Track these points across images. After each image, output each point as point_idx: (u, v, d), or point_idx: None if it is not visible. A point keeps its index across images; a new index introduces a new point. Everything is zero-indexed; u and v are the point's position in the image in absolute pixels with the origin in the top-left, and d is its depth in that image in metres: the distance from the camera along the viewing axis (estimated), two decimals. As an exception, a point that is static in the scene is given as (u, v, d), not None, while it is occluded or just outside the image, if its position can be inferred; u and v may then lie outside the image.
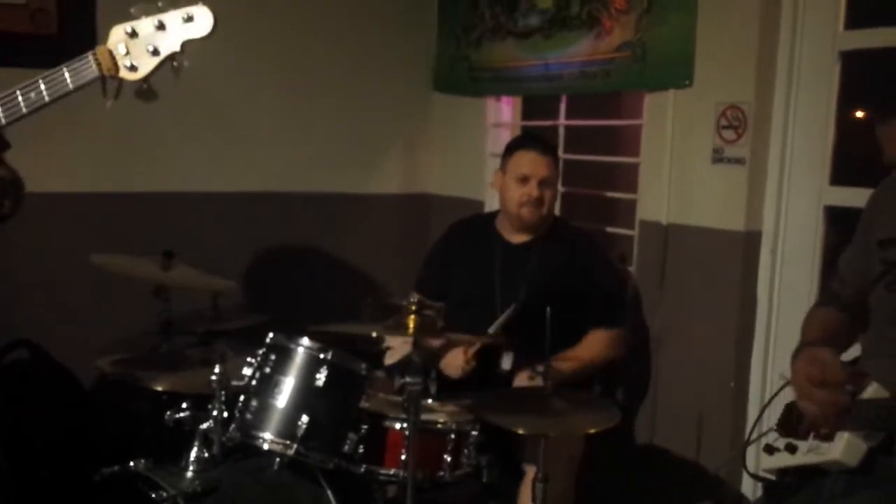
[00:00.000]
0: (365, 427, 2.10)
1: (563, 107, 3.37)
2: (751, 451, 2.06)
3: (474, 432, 2.18)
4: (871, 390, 1.51)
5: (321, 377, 2.06)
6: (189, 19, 1.57)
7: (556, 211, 3.30)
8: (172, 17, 1.58)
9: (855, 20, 2.44)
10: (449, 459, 2.15)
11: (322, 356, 2.07)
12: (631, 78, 2.88)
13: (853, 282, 1.75)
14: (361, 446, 2.09)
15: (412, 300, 1.95)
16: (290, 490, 2.14)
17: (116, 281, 2.65)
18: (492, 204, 3.32)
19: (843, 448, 1.51)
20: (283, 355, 2.10)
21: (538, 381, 2.31)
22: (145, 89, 1.61)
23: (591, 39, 3.00)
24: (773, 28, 2.52)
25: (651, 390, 2.94)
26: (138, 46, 1.58)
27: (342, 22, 3.67)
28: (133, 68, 1.59)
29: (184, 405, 2.16)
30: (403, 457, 2.04)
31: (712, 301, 2.70)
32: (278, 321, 2.34)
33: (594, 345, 2.61)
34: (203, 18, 1.58)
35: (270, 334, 2.15)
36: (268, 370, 2.10)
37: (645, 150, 2.95)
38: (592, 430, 2.03)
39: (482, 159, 3.63)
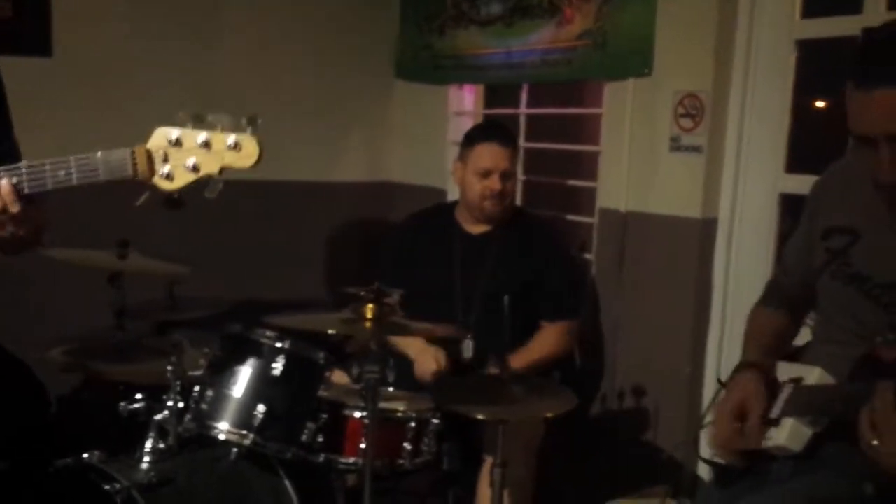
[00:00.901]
0: (324, 416, 2.08)
1: (524, 95, 3.37)
2: (705, 436, 2.09)
3: (434, 420, 2.17)
4: (816, 376, 1.54)
5: (278, 366, 2.04)
6: (235, 147, 1.49)
7: (518, 199, 3.31)
8: (219, 140, 1.50)
9: (811, 9, 2.47)
10: (409, 447, 2.14)
11: (279, 345, 2.05)
12: (591, 66, 2.88)
13: (798, 271, 1.77)
14: (320, 435, 2.08)
15: (370, 289, 1.94)
16: (247, 481, 2.12)
17: (70, 271, 2.59)
18: (454, 192, 3.32)
19: (788, 434, 1.52)
20: (240, 345, 2.08)
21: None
22: (175, 199, 1.53)
23: (553, 28, 3.01)
24: (731, 17, 2.54)
25: (610, 375, 2.97)
26: (179, 157, 1.50)
27: (304, 8, 3.63)
28: (169, 177, 1.51)
29: (138, 396, 2.13)
30: (363, 445, 2.03)
31: (670, 287, 2.73)
32: (236, 311, 2.32)
33: (547, 341, 2.61)
34: (249, 149, 1.50)
35: (227, 324, 2.13)
36: (224, 360, 2.08)
37: (605, 138, 2.97)
38: (550, 415, 2.04)
39: (444, 147, 3.62)
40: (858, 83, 1.37)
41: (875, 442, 1.27)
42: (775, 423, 1.55)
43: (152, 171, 1.52)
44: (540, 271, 2.63)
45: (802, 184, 2.46)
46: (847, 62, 1.41)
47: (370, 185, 3.90)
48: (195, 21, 3.41)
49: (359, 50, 3.77)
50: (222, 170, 1.51)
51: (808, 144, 2.58)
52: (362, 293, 1.92)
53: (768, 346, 1.74)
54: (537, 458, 2.50)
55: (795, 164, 2.51)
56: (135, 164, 1.51)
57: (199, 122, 1.51)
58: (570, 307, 2.70)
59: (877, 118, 1.36)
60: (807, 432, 1.52)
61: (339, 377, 2.28)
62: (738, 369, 1.67)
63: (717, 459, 1.67)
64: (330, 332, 1.95)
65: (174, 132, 1.51)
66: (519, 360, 2.46)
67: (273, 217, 3.59)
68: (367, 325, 1.92)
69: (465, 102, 3.66)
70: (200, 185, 1.53)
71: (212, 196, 1.52)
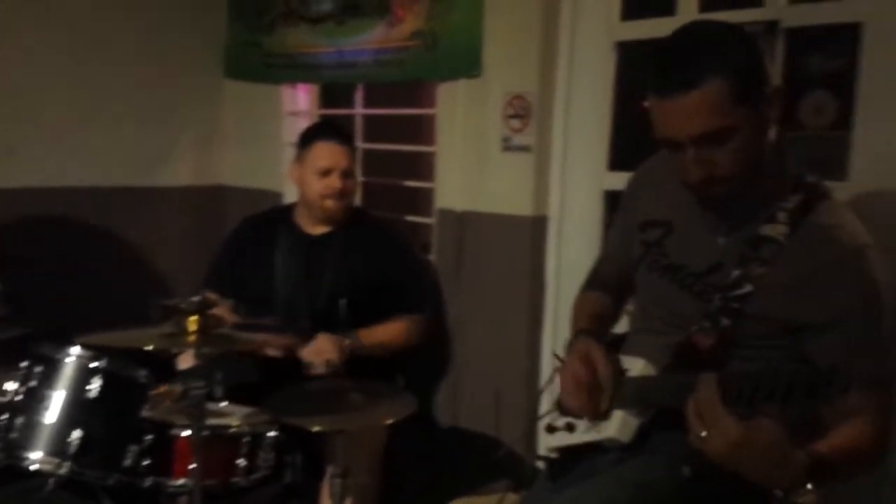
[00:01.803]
0: (149, 437, 1.98)
1: (359, 95, 3.33)
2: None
3: (271, 433, 2.10)
4: (640, 367, 1.58)
5: (94, 388, 1.92)
6: None
7: (357, 201, 3.27)
8: None
9: (629, 11, 2.56)
10: (244, 464, 2.06)
11: (94, 365, 1.93)
12: (423, 67, 2.88)
13: (617, 263, 1.83)
14: (146, 458, 1.97)
15: (194, 300, 1.84)
16: (67, 511, 1.97)
17: None
18: (291, 195, 3.24)
19: (617, 425, 1.57)
20: (51, 367, 1.94)
21: (329, 364, 2.29)
22: None
23: (384, 27, 2.98)
24: (554, 19, 2.60)
25: (453, 374, 2.99)
26: None
27: (124, 5, 3.43)
28: None
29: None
30: (193, 465, 1.92)
31: (506, 284, 2.77)
32: (50, 330, 2.14)
33: (395, 327, 2.60)
34: None
35: (38, 344, 1.97)
36: (34, 384, 1.93)
37: (439, 139, 2.97)
38: (389, 421, 2.01)
39: (279, 149, 3.53)
40: (656, 92, 1.42)
41: (703, 433, 1.29)
42: (605, 416, 1.59)
43: None
44: (383, 270, 2.61)
45: (623, 181, 2.55)
46: (644, 73, 1.46)
47: (202, 189, 3.75)
48: (9, 22, 3.16)
49: (185, 48, 3.62)
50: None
51: (630, 143, 2.68)
52: (183, 305, 1.81)
53: (594, 320, 1.78)
54: (381, 464, 2.47)
55: (617, 161, 2.60)
56: None
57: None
58: (417, 301, 2.70)
59: (677, 123, 1.41)
60: (634, 422, 1.56)
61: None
62: (572, 339, 1.70)
63: (559, 425, 1.69)
64: (147, 348, 1.83)
65: None
66: (367, 335, 2.46)
67: (94, 226, 3.37)
68: (191, 338, 1.81)
69: (300, 102, 3.58)
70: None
71: None
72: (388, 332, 2.57)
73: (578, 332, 1.69)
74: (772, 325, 1.47)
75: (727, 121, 1.37)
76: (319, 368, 2.31)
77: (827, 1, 2.12)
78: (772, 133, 1.50)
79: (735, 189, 1.46)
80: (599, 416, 1.59)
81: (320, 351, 2.35)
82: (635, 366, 1.59)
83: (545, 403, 1.88)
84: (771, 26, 2.15)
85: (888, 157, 1.97)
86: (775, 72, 2.14)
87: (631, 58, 2.59)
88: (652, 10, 2.50)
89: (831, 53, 2.27)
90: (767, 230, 1.47)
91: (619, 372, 1.59)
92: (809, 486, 1.30)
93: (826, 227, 1.45)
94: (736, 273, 1.48)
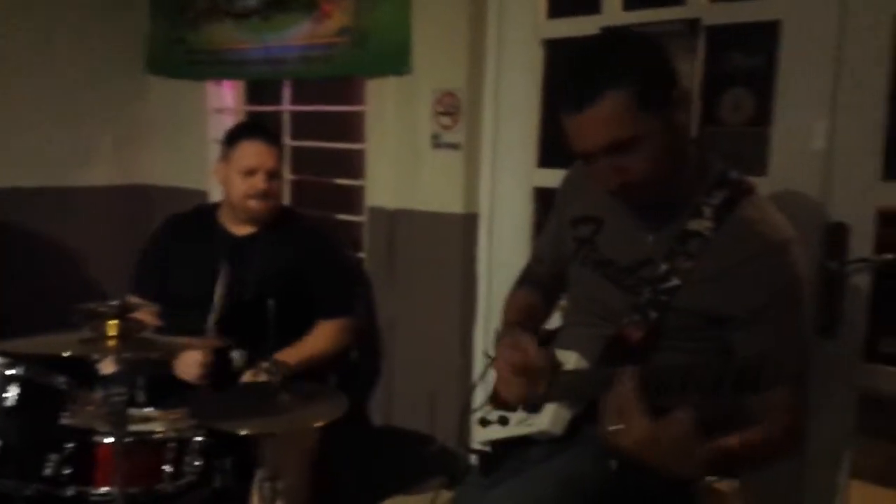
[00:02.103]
0: (70, 445, 1.93)
1: (287, 92, 3.28)
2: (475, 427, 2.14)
3: (198, 438, 2.06)
4: (574, 361, 1.60)
5: (10, 396, 1.85)
6: None
7: (286, 199, 3.23)
8: None
9: (556, 9, 2.58)
10: (169, 470, 2.02)
11: (10, 372, 1.86)
12: (351, 63, 2.86)
13: (548, 259, 1.85)
14: (67, 467, 1.92)
15: (113, 303, 1.78)
16: (-18, 525, 1.89)
17: None
18: (216, 194, 3.17)
19: (550, 418, 1.58)
20: (-38, 375, 1.85)
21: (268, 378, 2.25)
22: None
23: (311, 23, 2.95)
24: (481, 17, 2.61)
25: (386, 373, 2.97)
26: None
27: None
28: None
29: None
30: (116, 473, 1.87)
31: (438, 282, 2.77)
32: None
33: (321, 336, 2.58)
34: None
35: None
36: (-55, 394, 1.84)
37: (369, 136, 2.95)
38: (319, 423, 1.99)
39: (204, 147, 3.46)
40: (562, 109, 1.47)
41: (620, 426, 1.33)
42: (537, 409, 1.60)
43: None
44: (310, 271, 2.58)
45: (553, 178, 2.58)
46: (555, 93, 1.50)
47: (125, 188, 3.64)
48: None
49: (107, 44, 3.51)
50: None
51: (558, 140, 2.70)
52: (102, 309, 1.76)
53: (525, 320, 1.80)
54: (313, 465, 2.44)
55: (546, 158, 2.62)
56: None
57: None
58: (343, 304, 2.67)
59: (584, 137, 1.46)
60: (566, 415, 1.58)
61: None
62: (501, 334, 1.73)
63: (493, 419, 1.70)
64: (65, 354, 1.76)
65: None
66: (292, 355, 2.40)
67: (15, 228, 3.25)
68: (111, 343, 1.76)
69: (226, 99, 3.51)
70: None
71: None
72: (315, 346, 2.54)
73: (507, 326, 1.70)
74: (699, 318, 1.50)
75: (631, 130, 1.41)
76: (193, 377, 2.32)
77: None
78: (692, 131, 1.53)
79: (654, 191, 1.50)
80: (538, 399, 1.59)
81: (184, 367, 2.34)
82: (569, 359, 1.61)
83: (478, 399, 1.90)
84: (692, 24, 2.19)
85: (804, 152, 2.03)
86: (696, 69, 2.19)
87: (558, 55, 2.61)
88: (578, 8, 2.52)
89: (751, 51, 2.33)
90: (694, 225, 1.50)
91: (554, 363, 1.60)
92: (711, 476, 1.33)
93: (750, 221, 1.49)
94: (664, 267, 1.51)
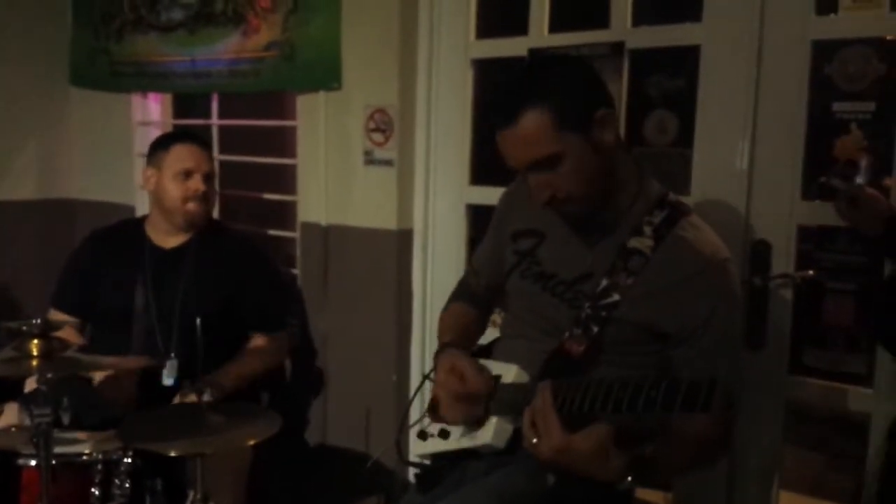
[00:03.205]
0: (-7, 468, 1.86)
1: (214, 105, 3.25)
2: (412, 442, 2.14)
3: (127, 459, 2.00)
4: (514, 374, 1.62)
5: (-73, 420, 1.76)
6: None
7: (216, 214, 3.18)
8: None
9: (484, 30, 2.63)
10: (97, 493, 1.96)
11: (-74, 395, 1.77)
12: (281, 78, 2.84)
13: (485, 272, 1.88)
14: (-10, 491, 1.85)
15: (36, 322, 1.73)
16: None
17: None
18: (142, 208, 3.11)
19: (493, 432, 1.59)
20: None
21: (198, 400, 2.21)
22: None
23: (239, 37, 2.92)
24: (412, 34, 2.64)
25: (320, 390, 2.95)
26: None
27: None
28: None
29: None
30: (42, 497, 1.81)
31: (373, 299, 2.77)
32: None
33: (254, 354, 2.53)
34: None
35: None
36: None
37: (301, 151, 2.93)
38: (252, 442, 1.96)
39: (130, 160, 3.39)
40: (491, 127, 1.52)
41: (535, 440, 1.37)
42: (480, 423, 1.61)
43: None
44: (241, 284, 2.52)
45: (485, 195, 2.64)
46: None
47: (46, 203, 3.54)
48: None
49: (28, 54, 3.41)
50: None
51: (490, 158, 2.74)
52: (24, 328, 1.70)
53: (460, 333, 1.82)
54: (246, 485, 2.40)
55: (478, 176, 2.67)
56: None
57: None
58: (276, 319, 2.64)
59: (509, 153, 1.52)
60: (509, 428, 1.59)
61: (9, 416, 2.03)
62: (438, 353, 1.73)
63: (433, 432, 1.70)
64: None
65: None
66: (226, 376, 2.36)
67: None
68: (34, 363, 1.70)
69: (152, 112, 3.45)
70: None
71: None
72: (250, 365, 2.50)
73: (443, 346, 1.72)
74: (639, 333, 1.54)
75: (551, 148, 1.46)
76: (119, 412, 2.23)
77: (668, 24, 2.25)
78: (623, 151, 1.58)
79: (585, 207, 1.54)
80: (479, 422, 1.60)
81: (112, 395, 2.27)
82: (509, 372, 1.62)
83: (415, 414, 1.91)
84: (617, 47, 2.26)
85: (727, 172, 2.11)
86: (622, 91, 2.26)
87: (488, 75, 2.66)
88: (505, 29, 2.57)
89: (673, 74, 2.41)
90: (634, 243, 1.55)
91: (491, 378, 1.62)
92: (630, 479, 1.37)
93: (689, 240, 1.54)
94: (605, 282, 1.55)
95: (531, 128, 1.45)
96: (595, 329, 1.54)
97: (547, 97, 1.45)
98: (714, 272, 1.52)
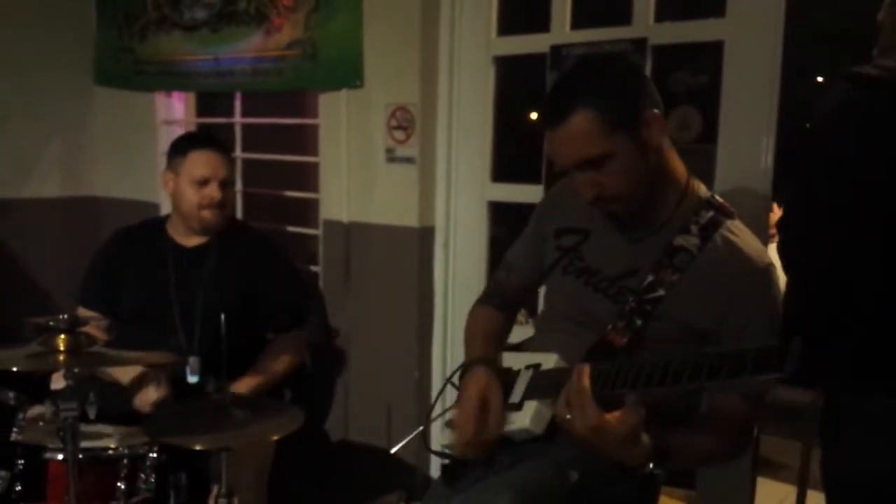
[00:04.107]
0: (20, 462, 1.90)
1: (238, 104, 3.27)
2: (436, 433, 2.13)
3: (152, 454, 2.03)
4: (553, 361, 1.63)
5: (-43, 414, 1.80)
6: None
7: (238, 213, 3.21)
8: None
9: (506, 27, 2.63)
10: (123, 487, 1.98)
11: (-44, 389, 1.81)
12: (303, 76, 2.86)
13: (520, 270, 1.89)
14: (17, 484, 1.89)
15: (63, 317, 1.76)
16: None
17: None
18: (167, 206, 3.13)
19: (531, 417, 1.58)
20: None
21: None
22: None
23: (261, 36, 2.94)
24: (434, 32, 2.64)
25: (342, 387, 2.97)
26: None
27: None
28: None
29: None
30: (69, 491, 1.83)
31: (394, 295, 2.78)
32: None
33: (277, 354, 2.54)
34: None
35: None
36: None
37: (323, 149, 2.95)
38: (275, 437, 1.98)
39: (154, 159, 3.42)
40: (544, 125, 1.55)
41: (568, 416, 1.39)
42: (518, 407, 1.61)
43: None
44: (262, 282, 2.55)
45: (507, 192, 2.65)
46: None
47: (72, 200, 3.57)
48: None
49: (54, 54, 3.44)
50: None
51: (509, 155, 2.75)
52: (52, 323, 1.73)
53: (489, 345, 1.82)
54: (269, 481, 2.43)
55: (499, 173, 2.67)
56: None
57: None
58: (297, 316, 2.66)
59: (558, 152, 1.55)
60: (547, 414, 1.58)
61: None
62: (467, 367, 1.73)
63: (448, 451, 1.70)
64: (14, 369, 1.73)
65: None
66: (248, 383, 2.39)
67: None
68: (61, 358, 1.73)
69: (175, 111, 3.47)
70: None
71: None
72: (273, 363, 2.51)
73: (473, 361, 1.72)
74: (680, 329, 1.55)
75: (600, 148, 1.49)
76: (150, 410, 2.28)
77: (691, 20, 2.25)
78: (671, 151, 1.60)
79: (631, 205, 1.57)
80: (476, 446, 1.62)
81: (143, 402, 2.31)
82: (549, 360, 1.63)
83: (434, 404, 1.91)
84: (639, 44, 2.26)
85: (747, 167, 2.10)
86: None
87: (509, 72, 2.66)
88: (527, 26, 2.58)
89: (696, 70, 2.40)
90: (681, 241, 1.57)
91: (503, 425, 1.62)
92: (652, 465, 1.39)
93: (734, 242, 1.57)
94: (650, 278, 1.57)
95: (580, 128, 1.48)
96: (639, 322, 1.56)
97: (597, 98, 1.48)
98: (759, 276, 1.55)
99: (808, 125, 1.71)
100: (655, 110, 1.53)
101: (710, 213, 1.60)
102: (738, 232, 1.59)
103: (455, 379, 1.78)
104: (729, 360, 1.23)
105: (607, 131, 1.48)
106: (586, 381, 1.38)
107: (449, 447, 1.71)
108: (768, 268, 1.56)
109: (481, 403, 1.62)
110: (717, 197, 1.64)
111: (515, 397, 1.62)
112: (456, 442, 1.66)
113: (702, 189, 1.65)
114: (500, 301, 1.93)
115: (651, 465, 1.38)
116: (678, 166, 1.62)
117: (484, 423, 1.61)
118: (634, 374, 1.36)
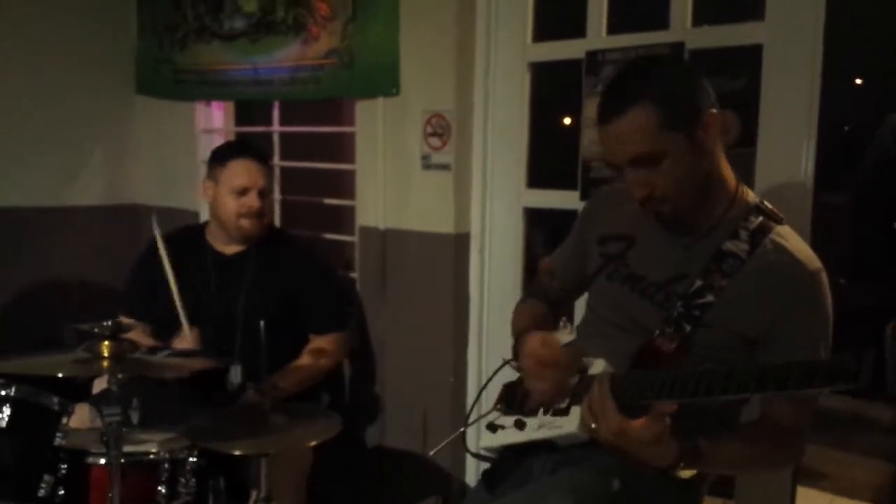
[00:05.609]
0: (64, 466, 1.92)
1: (276, 113, 3.30)
2: (472, 437, 2.13)
3: (192, 459, 2.05)
4: (601, 366, 1.60)
5: (4, 417, 1.84)
6: None
7: (276, 220, 3.24)
8: None
9: (542, 33, 2.62)
10: (164, 491, 2.01)
11: (3, 393, 1.85)
12: (340, 85, 2.88)
13: (562, 275, 1.90)
14: (61, 488, 1.91)
15: (107, 324, 1.79)
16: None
17: None
18: (207, 214, 3.18)
19: (579, 421, 1.56)
20: (-45, 397, 1.85)
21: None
22: None
23: (299, 45, 2.97)
24: (470, 40, 2.65)
25: (378, 393, 2.98)
26: None
27: (33, 15, 3.31)
28: None
29: None
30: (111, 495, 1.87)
31: (430, 301, 2.79)
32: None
33: (315, 353, 2.57)
34: None
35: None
36: (-62, 416, 1.83)
37: (360, 156, 2.97)
38: (314, 443, 2.00)
39: (194, 167, 3.46)
40: (597, 120, 1.54)
41: (594, 425, 1.40)
42: (565, 412, 1.60)
43: None
44: (300, 288, 2.58)
45: (542, 198, 2.64)
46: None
47: (114, 208, 3.64)
48: None
49: (95, 63, 3.51)
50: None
51: (545, 161, 2.75)
52: (96, 330, 1.76)
53: (538, 323, 1.81)
54: (307, 486, 2.44)
55: (535, 179, 2.67)
56: None
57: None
58: (336, 318, 2.69)
59: (611, 147, 1.54)
60: None
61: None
62: (520, 338, 1.70)
63: (507, 423, 1.69)
64: (59, 375, 1.77)
65: None
66: (289, 379, 2.41)
67: (3, 248, 3.25)
68: (105, 364, 1.76)
69: (215, 120, 3.52)
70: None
71: None
72: (310, 360, 2.54)
73: (523, 331, 1.71)
74: (729, 334, 1.54)
75: (654, 145, 1.48)
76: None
77: (729, 24, 2.22)
78: (724, 155, 1.59)
79: (681, 207, 1.55)
80: (566, 394, 1.59)
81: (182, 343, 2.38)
82: (596, 365, 1.61)
83: (473, 407, 1.91)
84: (677, 48, 2.24)
85: (786, 171, 2.08)
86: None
87: (545, 78, 2.66)
88: (563, 31, 2.57)
89: (734, 74, 2.38)
90: (730, 246, 1.57)
91: (580, 362, 1.61)
92: (682, 465, 1.39)
93: (784, 248, 1.55)
94: (699, 283, 1.56)
95: (636, 124, 1.47)
96: (688, 328, 1.55)
97: (654, 95, 1.47)
98: (810, 282, 1.53)
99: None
100: (714, 110, 1.51)
101: (760, 219, 1.58)
102: (788, 237, 1.58)
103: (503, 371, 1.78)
104: (797, 369, 1.19)
105: (663, 129, 1.47)
106: (606, 388, 1.39)
107: (506, 412, 1.70)
108: (819, 272, 1.54)
109: (544, 345, 1.60)
110: (767, 203, 1.63)
111: (563, 402, 1.61)
112: (532, 390, 1.64)
113: (750, 195, 1.63)
114: (542, 296, 1.94)
115: (682, 465, 1.38)
116: (729, 171, 1.61)
117: (556, 371, 1.59)
118: (655, 383, 1.36)
